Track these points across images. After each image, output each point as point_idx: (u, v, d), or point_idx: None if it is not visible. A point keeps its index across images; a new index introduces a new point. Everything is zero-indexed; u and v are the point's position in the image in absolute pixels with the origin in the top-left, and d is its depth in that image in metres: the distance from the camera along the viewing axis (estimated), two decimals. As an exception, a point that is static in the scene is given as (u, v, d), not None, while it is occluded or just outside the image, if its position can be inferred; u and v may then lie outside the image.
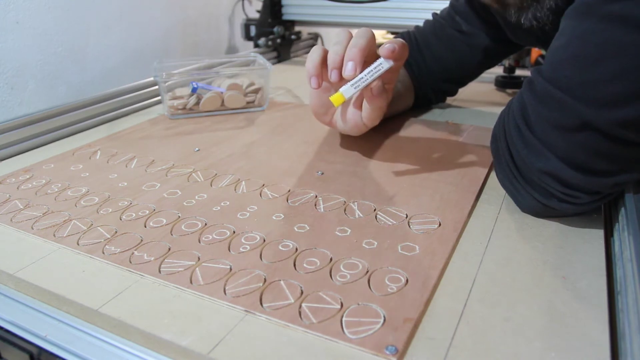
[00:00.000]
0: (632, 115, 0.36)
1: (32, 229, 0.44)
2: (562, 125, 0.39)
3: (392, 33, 1.41)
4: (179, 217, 0.46)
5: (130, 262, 0.39)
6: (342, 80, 0.50)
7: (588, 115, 0.37)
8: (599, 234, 0.43)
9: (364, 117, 0.53)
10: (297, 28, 1.23)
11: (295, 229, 0.44)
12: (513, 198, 0.47)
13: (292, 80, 0.97)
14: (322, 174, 0.54)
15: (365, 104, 0.52)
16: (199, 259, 0.40)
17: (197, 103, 0.75)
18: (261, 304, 0.34)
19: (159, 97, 0.83)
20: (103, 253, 0.41)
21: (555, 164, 0.40)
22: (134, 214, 0.47)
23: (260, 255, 0.40)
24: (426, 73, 0.72)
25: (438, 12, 0.74)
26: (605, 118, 0.36)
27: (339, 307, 0.34)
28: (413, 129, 0.68)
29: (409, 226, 0.44)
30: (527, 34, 0.59)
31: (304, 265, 0.38)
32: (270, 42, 1.13)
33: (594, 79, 0.37)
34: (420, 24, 0.75)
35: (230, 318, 0.33)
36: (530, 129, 0.42)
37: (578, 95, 0.37)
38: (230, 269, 0.38)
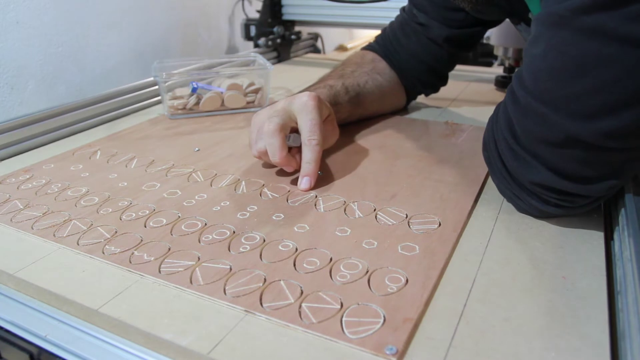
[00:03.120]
0: (616, 125, 0.36)
1: (32, 229, 0.44)
2: (548, 139, 0.39)
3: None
4: (179, 217, 0.46)
5: (130, 262, 0.39)
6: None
7: (572, 129, 0.37)
8: (599, 234, 0.43)
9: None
10: (297, 28, 1.23)
11: (295, 229, 0.44)
12: (511, 202, 0.47)
13: (292, 80, 0.97)
14: (322, 174, 0.54)
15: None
16: (199, 259, 0.40)
17: (197, 103, 0.75)
18: (261, 304, 0.34)
19: (159, 97, 0.83)
20: (103, 253, 0.41)
21: (546, 176, 0.40)
22: (134, 214, 0.47)
23: (260, 255, 0.40)
24: (406, 67, 0.72)
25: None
26: (590, 130, 0.36)
27: (339, 307, 0.34)
28: (413, 129, 0.68)
29: (409, 226, 0.44)
30: (489, 7, 0.58)
31: (304, 265, 0.38)
32: (270, 42, 1.13)
33: (575, 93, 0.36)
34: None
35: (230, 318, 0.33)
36: (518, 142, 0.42)
37: (561, 109, 0.37)
38: (230, 269, 0.38)
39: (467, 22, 0.67)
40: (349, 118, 0.68)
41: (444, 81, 0.76)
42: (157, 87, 0.84)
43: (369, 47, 0.75)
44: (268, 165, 0.56)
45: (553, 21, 0.37)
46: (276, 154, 0.50)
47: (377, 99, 0.70)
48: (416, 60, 0.71)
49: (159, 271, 0.38)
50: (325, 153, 0.60)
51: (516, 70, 0.43)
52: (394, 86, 0.72)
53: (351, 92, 0.66)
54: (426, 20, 0.68)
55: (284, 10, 1.17)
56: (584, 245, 0.41)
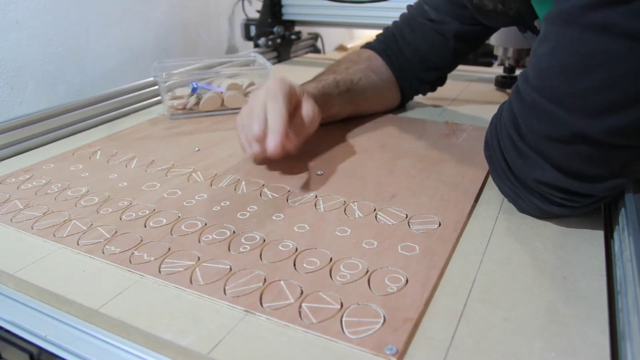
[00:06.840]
0: (623, 122, 0.36)
1: (32, 229, 0.44)
2: (554, 136, 0.39)
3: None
4: (179, 217, 0.46)
5: (130, 262, 0.39)
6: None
7: (579, 126, 0.37)
8: (599, 234, 0.43)
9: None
10: (297, 28, 1.23)
11: (295, 229, 0.44)
12: (512, 202, 0.47)
13: (292, 80, 0.97)
14: (322, 174, 0.54)
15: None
16: (199, 259, 0.40)
17: (197, 103, 0.75)
18: (261, 304, 0.34)
19: (159, 97, 0.83)
20: (103, 253, 0.41)
21: (552, 174, 0.40)
22: (134, 214, 0.47)
23: (260, 255, 0.40)
24: (406, 65, 0.72)
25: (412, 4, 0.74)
26: (596, 127, 0.36)
27: (339, 307, 0.34)
28: (413, 129, 0.68)
29: (409, 226, 0.44)
30: (497, 15, 0.58)
31: (304, 265, 0.38)
32: (270, 42, 1.13)
33: (582, 90, 0.36)
34: None
35: (230, 318, 0.33)
36: (523, 140, 0.41)
37: (567, 107, 0.37)
38: (230, 269, 0.38)
39: (478, 19, 0.67)
40: (340, 114, 0.68)
41: (442, 81, 0.76)
42: (157, 87, 0.84)
43: (368, 45, 0.75)
44: (268, 165, 0.56)
45: (562, 19, 0.37)
46: (276, 119, 0.48)
47: (369, 97, 0.70)
48: (418, 55, 0.72)
49: (159, 271, 0.38)
50: (325, 153, 0.60)
51: (522, 70, 0.43)
52: (387, 85, 0.73)
53: (342, 87, 0.66)
54: (438, 16, 0.69)
55: (284, 10, 1.17)
56: (584, 245, 0.41)
